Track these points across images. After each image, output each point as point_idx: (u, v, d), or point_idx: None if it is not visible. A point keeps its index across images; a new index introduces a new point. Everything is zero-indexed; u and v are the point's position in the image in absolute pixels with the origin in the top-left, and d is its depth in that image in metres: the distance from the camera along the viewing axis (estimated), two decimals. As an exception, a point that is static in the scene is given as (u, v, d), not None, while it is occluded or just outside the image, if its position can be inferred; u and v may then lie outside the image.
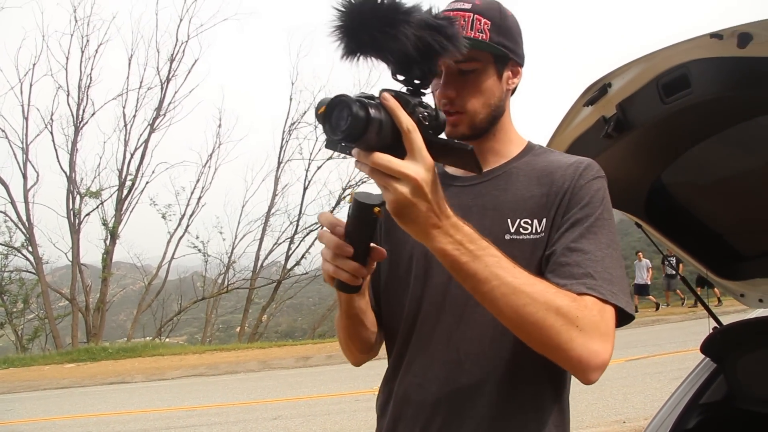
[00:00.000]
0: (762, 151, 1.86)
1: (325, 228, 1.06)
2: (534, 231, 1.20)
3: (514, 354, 1.17)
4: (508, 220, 1.22)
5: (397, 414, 1.29)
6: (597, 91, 1.71)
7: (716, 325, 2.33)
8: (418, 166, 0.90)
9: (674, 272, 17.10)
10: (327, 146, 1.00)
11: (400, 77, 0.96)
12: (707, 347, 2.33)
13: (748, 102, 1.47)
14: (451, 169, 1.35)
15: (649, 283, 17.44)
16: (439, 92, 1.23)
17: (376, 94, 0.94)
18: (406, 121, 0.89)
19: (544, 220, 1.20)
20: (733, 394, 2.28)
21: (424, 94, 0.98)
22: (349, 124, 0.87)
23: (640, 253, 18.17)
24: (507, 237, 1.20)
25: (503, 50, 1.24)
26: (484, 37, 1.22)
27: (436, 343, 1.24)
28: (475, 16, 1.22)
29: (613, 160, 1.92)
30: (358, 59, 0.93)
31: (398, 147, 0.91)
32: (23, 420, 8.62)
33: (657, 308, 16.97)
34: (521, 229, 1.20)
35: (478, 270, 0.98)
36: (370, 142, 0.89)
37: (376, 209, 1.00)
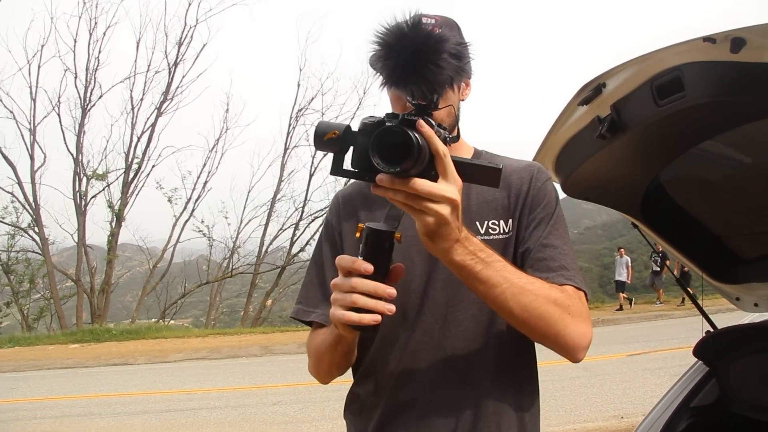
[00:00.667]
0: (757, 155, 1.83)
1: (340, 277, 1.04)
2: (502, 231, 1.30)
3: (495, 345, 1.28)
4: (477, 223, 1.31)
5: (384, 414, 1.31)
6: (591, 91, 1.68)
7: (710, 328, 2.31)
8: (453, 188, 0.96)
9: (659, 270, 17.16)
10: (335, 173, 1.02)
11: (422, 102, 0.99)
12: (700, 351, 2.31)
13: (741, 106, 1.44)
14: None
15: (627, 281, 17.47)
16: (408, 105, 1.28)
17: (378, 115, 0.98)
18: (442, 147, 0.94)
19: (510, 220, 1.31)
20: (724, 399, 2.26)
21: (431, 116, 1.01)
22: (416, 156, 0.90)
23: (622, 249, 18.22)
24: (478, 238, 1.21)
25: (465, 75, 1.31)
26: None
27: (418, 344, 1.29)
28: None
29: (608, 160, 1.90)
30: (399, 88, 0.97)
31: (428, 171, 0.95)
32: (27, 399, 8.72)
33: (625, 305, 16.96)
34: (490, 230, 1.30)
35: (490, 276, 1.08)
36: (410, 168, 0.92)
37: (398, 235, 1.03)
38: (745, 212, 2.16)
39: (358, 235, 1.05)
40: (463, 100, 1.38)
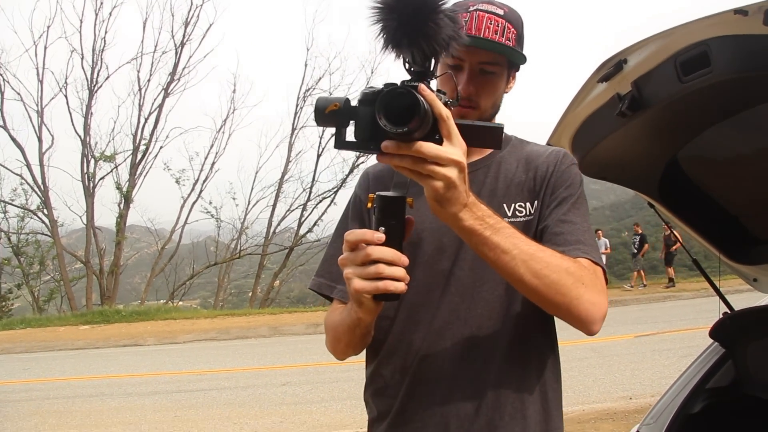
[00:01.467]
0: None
1: (348, 250, 1.02)
2: (527, 213, 1.33)
3: (519, 324, 1.30)
4: (504, 205, 1.33)
5: (408, 393, 1.33)
6: (612, 68, 1.64)
7: (727, 310, 2.29)
8: (458, 150, 0.96)
9: (636, 252, 17.13)
10: (338, 146, 1.01)
11: (416, 67, 0.99)
12: (717, 332, 2.28)
13: (770, 82, 1.40)
14: None
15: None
16: (462, 87, 1.32)
17: (378, 85, 0.96)
18: (445, 110, 0.94)
19: (536, 202, 1.34)
20: (740, 380, 2.24)
21: (429, 83, 1.00)
22: (422, 115, 0.90)
23: (599, 231, 18.18)
24: (505, 221, 1.24)
25: (522, 62, 1.39)
26: (511, 44, 1.34)
27: (444, 323, 1.31)
28: (507, 24, 1.33)
29: (627, 139, 1.86)
30: (401, 49, 0.96)
31: (432, 134, 0.95)
32: (39, 379, 8.83)
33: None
34: (517, 213, 1.33)
35: (500, 242, 1.07)
36: (414, 132, 0.92)
37: (410, 199, 1.02)
38: (764, 191, 2.12)
39: (369, 205, 1.05)
40: (507, 92, 1.42)
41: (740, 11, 1.17)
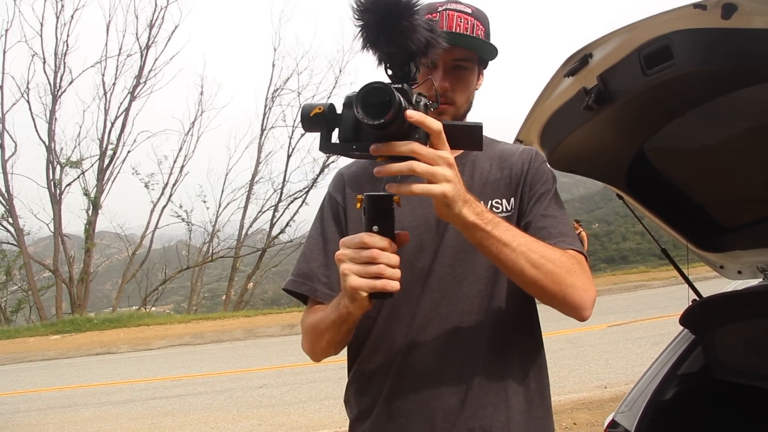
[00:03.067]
0: (743, 124, 1.83)
1: (348, 248, 1.06)
2: (505, 209, 1.38)
3: (501, 318, 1.34)
4: (481, 202, 1.31)
5: (392, 390, 1.34)
6: (578, 62, 1.66)
7: (695, 297, 2.34)
8: (448, 151, 1.02)
9: None
10: (323, 149, 1.05)
11: (397, 71, 1.04)
12: (686, 319, 2.33)
13: (730, 74, 1.43)
14: None
15: None
16: (438, 83, 1.36)
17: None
18: (437, 124, 1.00)
19: (512, 198, 1.39)
20: (710, 365, 2.29)
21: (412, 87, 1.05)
22: (397, 108, 0.93)
23: (576, 223, 18.37)
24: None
25: (492, 56, 1.45)
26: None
27: (426, 319, 1.34)
28: (476, 21, 1.40)
29: (594, 132, 1.88)
30: (379, 47, 1.00)
31: (412, 133, 1.00)
32: (9, 392, 8.63)
33: None
34: (494, 209, 1.37)
35: (501, 235, 1.13)
36: (390, 125, 0.95)
37: (396, 198, 1.06)
38: (729, 181, 2.17)
39: (358, 206, 1.08)
40: (477, 89, 1.48)
41: (699, 5, 1.20)
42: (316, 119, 1.02)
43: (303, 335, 1.41)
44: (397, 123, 0.95)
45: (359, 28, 0.98)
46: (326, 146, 1.04)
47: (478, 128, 1.08)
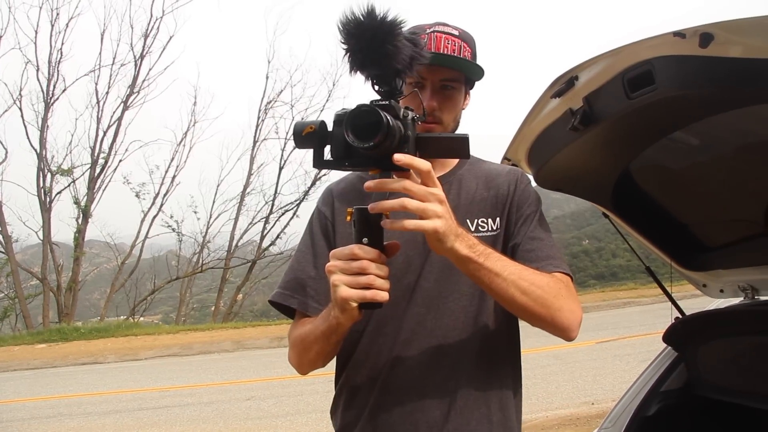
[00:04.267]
0: (724, 146, 1.89)
1: (339, 260, 1.09)
2: (490, 228, 1.42)
3: (484, 334, 1.38)
4: (467, 221, 1.41)
5: (377, 402, 1.36)
6: (564, 84, 1.70)
7: (678, 315, 2.38)
8: (439, 188, 1.07)
9: None
10: (316, 166, 1.09)
11: (384, 87, 1.07)
12: (669, 336, 2.37)
13: (708, 99, 1.48)
14: None
15: None
16: (426, 103, 1.39)
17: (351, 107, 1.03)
18: (425, 164, 1.05)
19: (498, 218, 1.43)
20: (692, 382, 2.33)
21: (397, 101, 1.09)
22: (386, 130, 0.96)
23: None
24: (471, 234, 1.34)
25: (479, 77, 1.48)
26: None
27: (411, 333, 1.36)
28: (462, 43, 1.44)
29: (581, 152, 1.93)
30: (366, 70, 1.05)
31: (401, 148, 1.04)
32: (-8, 401, 8.53)
33: None
34: (480, 227, 1.41)
35: (492, 266, 1.18)
36: (379, 146, 0.98)
37: (386, 212, 1.08)
38: (711, 201, 2.22)
39: (348, 219, 1.11)
40: (464, 108, 1.52)
41: (679, 34, 1.25)
42: (309, 137, 1.06)
43: (290, 348, 1.43)
44: (387, 143, 0.99)
45: (345, 53, 1.02)
46: (319, 163, 1.08)
47: (465, 139, 1.12)
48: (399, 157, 1.01)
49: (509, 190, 1.46)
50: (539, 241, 1.39)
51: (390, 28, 0.99)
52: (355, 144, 0.98)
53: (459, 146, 1.12)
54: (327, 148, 1.08)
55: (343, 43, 1.01)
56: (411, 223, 1.05)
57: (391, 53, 1.00)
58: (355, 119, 0.98)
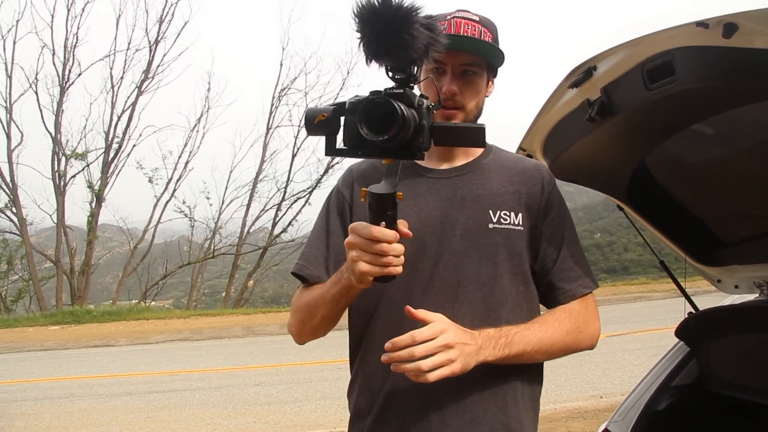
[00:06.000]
0: (743, 141, 1.85)
1: (359, 238, 1.13)
2: (512, 222, 1.41)
3: (502, 324, 1.36)
4: (490, 211, 1.41)
5: (390, 389, 1.38)
6: (582, 74, 1.68)
7: (692, 310, 2.35)
8: (439, 327, 1.20)
9: None
10: (329, 153, 1.09)
11: (399, 75, 1.05)
12: (682, 331, 2.35)
13: (730, 92, 1.45)
14: (424, 162, 1.47)
15: None
16: (446, 87, 1.38)
17: (365, 94, 1.04)
18: (432, 317, 1.22)
19: (521, 214, 1.42)
20: (704, 378, 2.31)
21: (413, 89, 1.07)
22: (400, 124, 0.96)
23: None
24: (491, 226, 1.39)
25: (500, 62, 1.47)
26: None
27: None
28: (483, 28, 1.42)
29: (597, 143, 1.91)
30: (380, 60, 1.03)
31: (415, 139, 1.04)
32: (7, 381, 8.63)
33: None
34: (502, 219, 1.41)
35: (517, 351, 1.29)
36: (394, 139, 0.99)
37: (399, 194, 1.10)
38: (729, 196, 2.19)
39: (363, 199, 1.13)
40: (488, 96, 1.50)
41: (701, 24, 1.22)
42: (320, 125, 1.05)
43: (293, 314, 1.46)
44: (401, 135, 0.98)
45: (360, 42, 1.00)
46: (331, 150, 1.08)
47: (480, 129, 1.11)
48: (409, 310, 1.20)
49: (535, 191, 1.46)
50: (570, 260, 1.45)
51: (406, 16, 0.97)
52: (369, 137, 0.97)
53: (474, 136, 1.11)
54: (339, 136, 1.08)
55: (358, 32, 1.00)
56: (434, 375, 1.16)
57: (407, 44, 0.99)
58: (369, 111, 0.97)
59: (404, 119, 0.96)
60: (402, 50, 0.99)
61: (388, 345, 1.17)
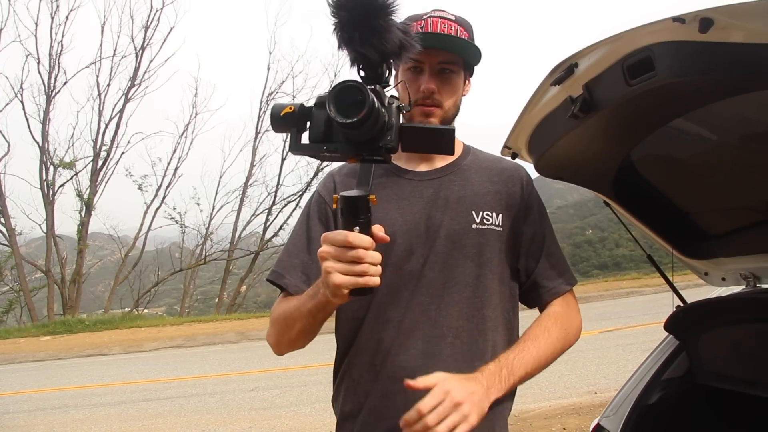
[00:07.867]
0: (725, 133, 1.87)
1: (332, 246, 1.06)
2: (494, 223, 1.44)
3: (487, 324, 1.41)
4: (473, 212, 1.43)
5: (379, 390, 1.38)
6: (564, 71, 1.69)
7: (680, 303, 2.37)
8: (444, 384, 1.19)
9: None
10: (293, 149, 1.04)
11: (370, 73, 1.03)
12: (670, 325, 2.36)
13: (709, 85, 1.46)
14: (401, 162, 1.47)
15: None
16: (424, 86, 1.41)
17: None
18: (433, 379, 1.22)
19: (501, 215, 1.46)
20: (693, 371, 2.33)
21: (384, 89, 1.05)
22: (370, 107, 0.92)
23: None
24: (474, 226, 1.41)
25: (476, 60, 1.49)
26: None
27: (415, 322, 1.37)
28: (459, 27, 1.44)
29: (581, 140, 1.91)
30: (353, 44, 1.00)
31: (383, 135, 1.01)
32: (-2, 393, 8.58)
33: None
34: (485, 220, 1.43)
35: (520, 376, 1.34)
36: (362, 124, 0.94)
37: (372, 197, 1.05)
38: (713, 189, 2.20)
39: (335, 206, 1.08)
40: (465, 95, 1.54)
41: (678, 19, 1.23)
42: (287, 119, 1.02)
43: (271, 325, 1.45)
44: (370, 123, 0.95)
45: (334, 26, 0.98)
46: (296, 147, 1.03)
47: (450, 132, 1.08)
48: (409, 383, 1.18)
49: (514, 191, 1.50)
50: (552, 258, 1.50)
51: (383, 5, 0.97)
52: (337, 119, 0.93)
53: (443, 140, 1.08)
54: (305, 134, 1.04)
55: (333, 14, 0.98)
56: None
57: (381, 30, 0.97)
58: (339, 94, 0.94)
59: (374, 105, 0.94)
60: (376, 37, 0.97)
61: (402, 423, 1.16)
